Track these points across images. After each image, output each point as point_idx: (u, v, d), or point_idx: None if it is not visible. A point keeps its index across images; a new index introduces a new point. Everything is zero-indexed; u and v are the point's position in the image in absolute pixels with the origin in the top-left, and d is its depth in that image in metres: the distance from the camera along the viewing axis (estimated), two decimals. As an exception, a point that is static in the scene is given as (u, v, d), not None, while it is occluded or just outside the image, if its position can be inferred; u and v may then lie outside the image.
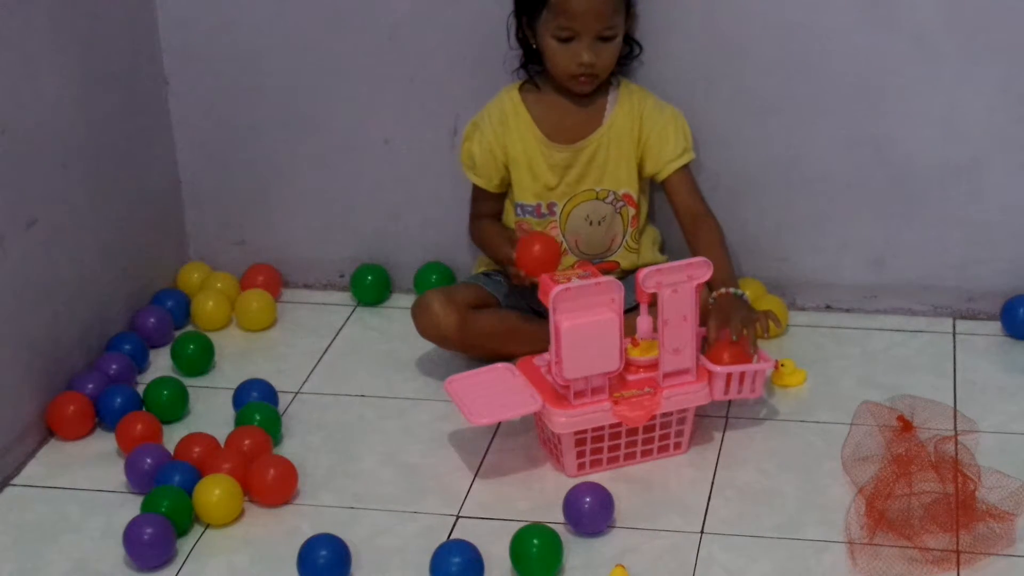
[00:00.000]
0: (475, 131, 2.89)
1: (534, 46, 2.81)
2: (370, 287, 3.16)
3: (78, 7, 2.81)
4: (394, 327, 3.05)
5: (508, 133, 2.85)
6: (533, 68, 2.87)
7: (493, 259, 2.92)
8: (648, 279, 2.48)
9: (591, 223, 2.89)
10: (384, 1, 2.98)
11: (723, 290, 2.69)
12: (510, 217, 2.93)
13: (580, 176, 2.87)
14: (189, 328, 3.08)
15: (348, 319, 3.12)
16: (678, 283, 2.49)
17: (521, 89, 2.87)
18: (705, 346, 2.63)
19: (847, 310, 3.06)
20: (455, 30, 2.97)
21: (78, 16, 2.81)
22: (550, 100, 2.86)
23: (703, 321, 2.62)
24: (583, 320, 2.45)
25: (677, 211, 2.89)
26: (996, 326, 2.97)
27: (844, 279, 3.04)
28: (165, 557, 2.39)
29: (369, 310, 3.16)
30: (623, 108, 2.85)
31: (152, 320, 3.02)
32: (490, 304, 2.89)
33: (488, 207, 2.94)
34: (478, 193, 2.94)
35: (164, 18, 3.06)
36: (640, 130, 2.85)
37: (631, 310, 2.63)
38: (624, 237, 2.91)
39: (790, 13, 2.85)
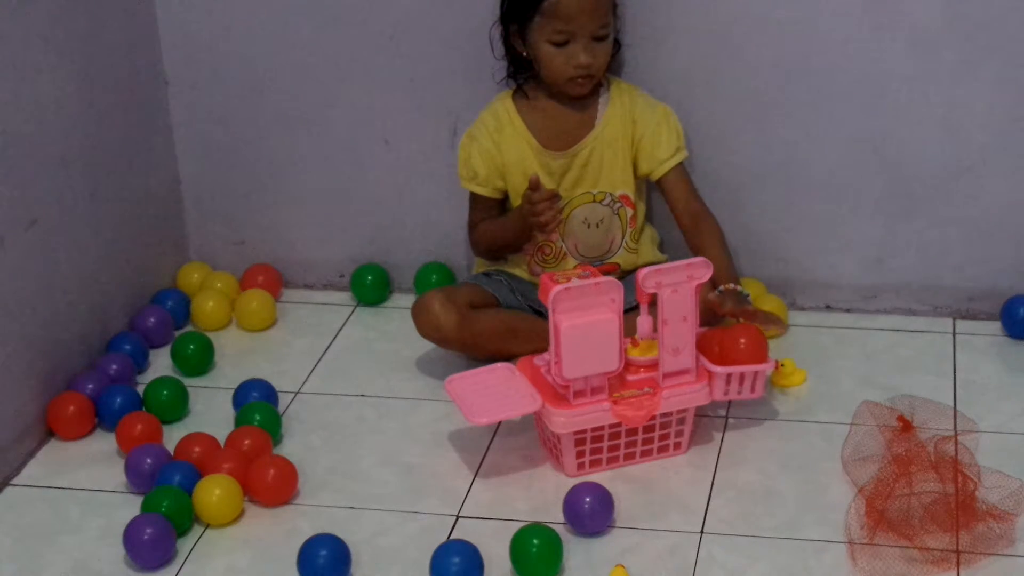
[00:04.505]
0: (472, 142, 2.88)
1: (523, 54, 2.81)
2: (370, 287, 3.16)
3: (78, 7, 2.81)
4: (394, 327, 3.05)
5: (504, 141, 2.85)
6: (521, 76, 2.86)
7: (509, 235, 2.87)
8: (648, 279, 2.48)
9: (589, 226, 2.89)
10: (384, 2, 2.98)
11: (729, 285, 2.69)
12: None
13: (576, 180, 2.87)
14: (189, 328, 3.08)
15: (348, 319, 3.12)
16: (678, 283, 2.49)
17: (513, 97, 2.87)
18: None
19: (847, 310, 3.06)
20: (455, 31, 2.97)
21: (78, 16, 2.81)
22: (542, 106, 2.86)
23: (703, 320, 2.62)
24: (582, 320, 2.45)
25: (675, 210, 2.89)
26: (996, 326, 2.97)
27: (844, 279, 3.04)
28: (165, 557, 2.39)
29: (369, 310, 3.16)
30: (615, 109, 2.85)
31: (152, 320, 3.02)
32: (490, 304, 2.89)
33: (491, 216, 2.93)
34: (480, 202, 2.93)
35: (164, 18, 3.06)
36: (633, 130, 2.85)
37: (631, 310, 2.64)
38: (623, 238, 2.91)
39: (790, 13, 2.85)
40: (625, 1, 2.84)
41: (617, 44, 2.87)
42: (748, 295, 2.73)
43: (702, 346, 2.58)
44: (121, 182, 2.99)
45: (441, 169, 3.07)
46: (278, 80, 3.08)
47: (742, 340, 2.59)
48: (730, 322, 2.72)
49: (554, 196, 2.75)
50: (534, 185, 2.73)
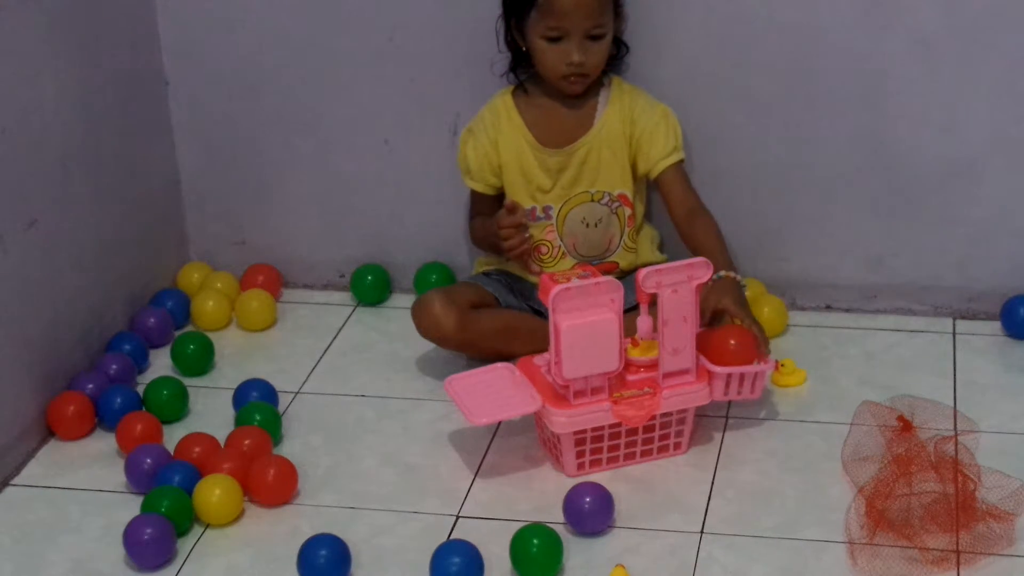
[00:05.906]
0: (470, 136, 2.90)
1: (523, 48, 2.82)
2: (370, 287, 3.16)
3: (78, 7, 2.81)
4: (394, 327, 3.05)
5: (501, 137, 2.86)
6: (523, 72, 2.87)
7: (490, 239, 2.89)
8: (648, 279, 2.48)
9: (587, 225, 2.89)
10: (384, 1, 2.98)
11: (726, 272, 2.68)
12: None
13: (574, 179, 2.87)
14: (189, 328, 3.08)
15: (348, 319, 3.12)
16: (678, 283, 2.49)
17: (513, 93, 2.88)
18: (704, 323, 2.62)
19: (847, 310, 3.06)
20: (455, 31, 2.97)
21: (78, 16, 2.81)
22: (541, 103, 2.87)
23: (702, 317, 2.61)
24: (583, 320, 2.45)
25: (670, 206, 2.88)
26: (996, 326, 2.97)
27: (844, 279, 3.04)
28: (165, 557, 2.39)
29: (369, 310, 3.16)
30: (614, 108, 2.85)
31: (152, 320, 3.02)
32: (490, 304, 2.89)
33: (487, 211, 2.94)
34: (476, 198, 2.95)
35: (164, 18, 3.07)
36: (632, 129, 2.85)
37: (631, 310, 2.64)
38: (622, 238, 2.91)
39: (790, 13, 2.85)
40: (627, 1, 2.84)
41: (625, 46, 2.87)
42: (745, 285, 2.71)
43: (696, 347, 2.58)
44: (121, 182, 3.00)
45: (441, 169, 3.07)
46: (278, 80, 3.08)
47: (732, 341, 2.58)
48: (726, 321, 2.71)
49: (522, 225, 2.79)
50: (510, 208, 2.76)
